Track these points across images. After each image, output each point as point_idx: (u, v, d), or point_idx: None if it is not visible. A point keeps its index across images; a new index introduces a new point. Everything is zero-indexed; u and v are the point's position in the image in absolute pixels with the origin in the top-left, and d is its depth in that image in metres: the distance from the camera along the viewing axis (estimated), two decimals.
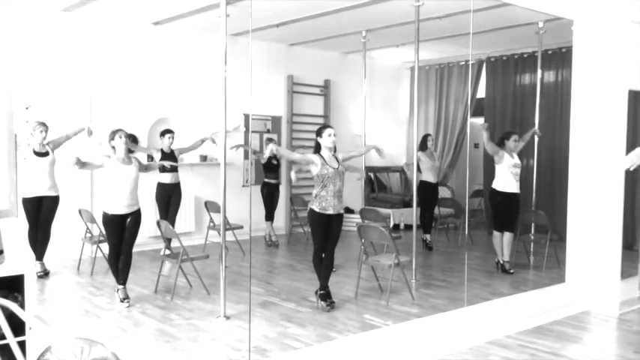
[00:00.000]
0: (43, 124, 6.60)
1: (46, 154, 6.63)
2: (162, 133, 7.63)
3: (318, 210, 5.46)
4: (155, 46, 8.51)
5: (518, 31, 8.16)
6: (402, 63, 11.53)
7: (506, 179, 6.93)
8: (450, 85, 10.98)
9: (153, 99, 8.49)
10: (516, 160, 7.00)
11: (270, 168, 8.62)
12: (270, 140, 8.64)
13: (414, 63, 6.83)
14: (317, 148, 5.55)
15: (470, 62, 9.87)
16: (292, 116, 10.04)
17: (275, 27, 8.24)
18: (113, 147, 5.65)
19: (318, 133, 5.55)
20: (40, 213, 6.60)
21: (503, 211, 7.02)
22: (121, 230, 5.66)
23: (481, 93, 10.41)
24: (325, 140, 5.49)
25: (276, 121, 9.93)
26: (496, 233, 7.09)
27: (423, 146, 8.39)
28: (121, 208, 5.62)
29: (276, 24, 8.14)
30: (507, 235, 7.02)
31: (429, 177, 8.40)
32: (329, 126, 5.71)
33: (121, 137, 5.62)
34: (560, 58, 9.16)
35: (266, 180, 8.64)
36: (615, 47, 5.79)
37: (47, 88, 7.49)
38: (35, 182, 6.53)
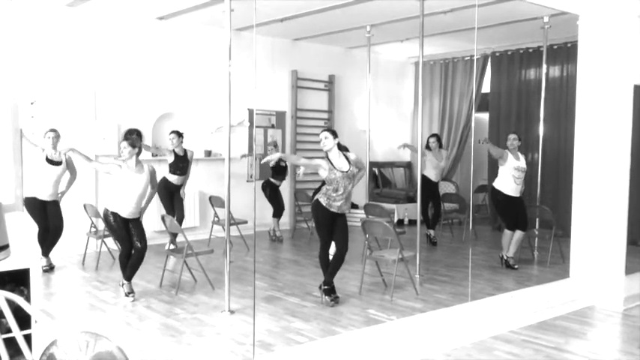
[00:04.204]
0: (55, 131, 6.57)
1: (59, 163, 6.64)
2: (169, 134, 7.69)
3: (324, 204, 5.43)
4: (159, 41, 8.51)
5: (524, 25, 8.13)
6: (406, 58, 11.51)
7: (507, 180, 6.90)
8: (454, 80, 10.95)
9: (157, 94, 8.50)
10: (521, 163, 6.93)
11: (279, 170, 8.63)
12: (274, 146, 8.64)
13: (418, 58, 6.83)
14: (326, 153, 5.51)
15: (475, 57, 9.82)
16: (297, 111, 10.03)
17: (279, 22, 8.23)
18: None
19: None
20: (48, 219, 6.63)
21: (506, 211, 7.00)
22: (124, 226, 5.68)
23: (486, 88, 10.39)
24: (322, 145, 5.42)
25: (280, 116, 9.93)
26: (507, 231, 7.07)
27: (427, 146, 8.39)
28: (123, 212, 5.64)
29: (281, 19, 8.13)
30: (518, 233, 7.00)
31: (431, 174, 8.35)
32: (323, 130, 5.54)
33: (125, 147, 5.57)
34: (565, 53, 9.11)
35: (271, 179, 8.66)
36: (621, 42, 5.77)
37: (52, 83, 7.51)
38: (39, 186, 6.56)
